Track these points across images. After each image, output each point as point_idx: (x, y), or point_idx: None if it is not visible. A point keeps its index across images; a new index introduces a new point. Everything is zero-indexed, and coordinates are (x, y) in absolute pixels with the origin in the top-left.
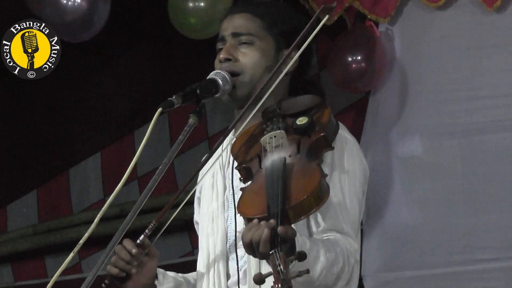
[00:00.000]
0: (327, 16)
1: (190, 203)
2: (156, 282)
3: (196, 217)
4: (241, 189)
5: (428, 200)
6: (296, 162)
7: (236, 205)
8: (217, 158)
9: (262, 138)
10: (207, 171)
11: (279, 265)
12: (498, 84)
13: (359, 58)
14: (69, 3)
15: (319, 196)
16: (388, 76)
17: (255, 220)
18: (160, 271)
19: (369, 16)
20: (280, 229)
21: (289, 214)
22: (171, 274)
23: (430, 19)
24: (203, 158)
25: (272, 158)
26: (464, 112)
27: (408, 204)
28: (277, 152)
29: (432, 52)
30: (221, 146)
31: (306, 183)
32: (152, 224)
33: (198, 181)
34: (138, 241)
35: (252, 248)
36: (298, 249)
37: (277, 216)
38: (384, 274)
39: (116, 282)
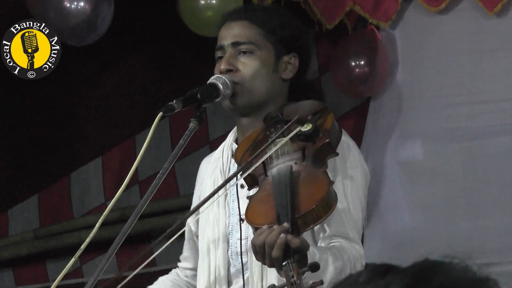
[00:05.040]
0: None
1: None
2: None
3: (191, 223)
4: (248, 197)
5: (429, 204)
6: (302, 169)
7: (240, 212)
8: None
9: (267, 146)
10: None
11: (293, 277)
12: (499, 88)
13: (362, 62)
14: (73, 6)
15: (327, 204)
16: (389, 80)
17: (265, 226)
18: None
19: (370, 20)
20: (294, 240)
21: (299, 223)
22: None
23: (431, 23)
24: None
25: (278, 166)
26: (465, 116)
27: (409, 208)
28: (282, 159)
29: (432, 56)
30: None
31: (315, 192)
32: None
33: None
34: None
35: (262, 253)
36: (309, 259)
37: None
38: None
39: None
